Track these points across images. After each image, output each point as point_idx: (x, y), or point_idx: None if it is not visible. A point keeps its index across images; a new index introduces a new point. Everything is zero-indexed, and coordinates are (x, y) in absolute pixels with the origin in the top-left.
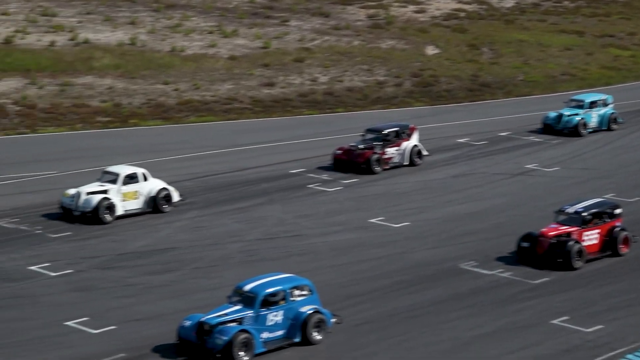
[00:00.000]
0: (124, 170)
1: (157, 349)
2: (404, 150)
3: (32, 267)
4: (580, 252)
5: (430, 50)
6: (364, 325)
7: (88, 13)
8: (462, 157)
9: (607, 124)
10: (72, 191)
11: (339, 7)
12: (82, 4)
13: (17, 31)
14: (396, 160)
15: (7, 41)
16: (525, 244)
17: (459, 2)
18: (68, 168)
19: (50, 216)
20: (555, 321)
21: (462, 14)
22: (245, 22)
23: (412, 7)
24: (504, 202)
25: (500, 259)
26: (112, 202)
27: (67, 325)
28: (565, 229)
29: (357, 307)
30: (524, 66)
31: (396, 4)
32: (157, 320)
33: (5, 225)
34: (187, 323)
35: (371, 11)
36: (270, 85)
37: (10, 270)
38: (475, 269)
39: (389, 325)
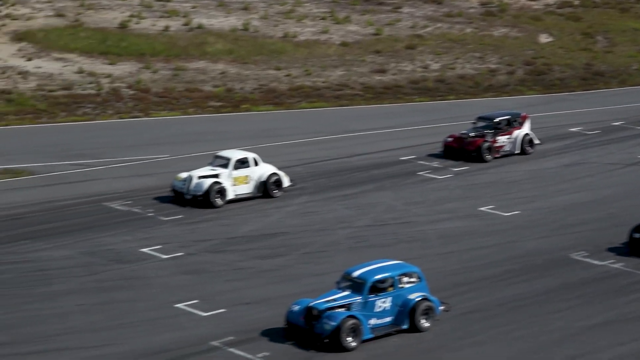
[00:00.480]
0: (235, 154)
1: (266, 333)
2: (516, 138)
3: (144, 250)
4: None
5: (544, 39)
6: (472, 313)
7: None
8: (574, 147)
9: None
10: (183, 175)
11: None
12: None
13: (132, 16)
14: (507, 148)
15: (123, 26)
16: (637, 235)
17: None
18: (180, 152)
19: (162, 199)
20: None
21: (577, 2)
22: (357, 8)
23: None
24: (617, 192)
25: (611, 249)
26: (223, 186)
27: (177, 307)
28: None
29: (465, 295)
30: (638, 55)
31: None
32: (266, 304)
33: (118, 207)
34: (296, 308)
35: None
36: (382, 72)
37: (123, 252)
38: (586, 260)
39: (497, 314)
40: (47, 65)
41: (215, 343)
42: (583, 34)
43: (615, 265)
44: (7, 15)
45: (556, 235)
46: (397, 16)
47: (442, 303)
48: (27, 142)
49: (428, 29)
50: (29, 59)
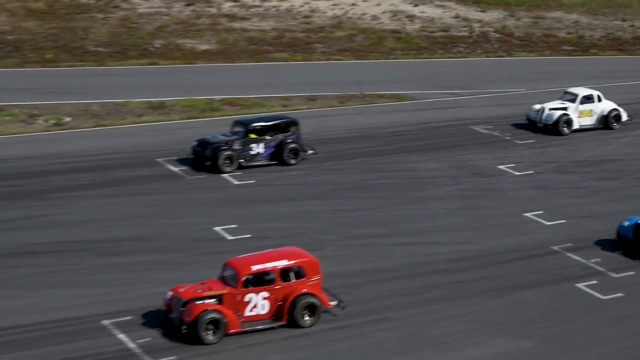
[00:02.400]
0: (582, 91)
1: (598, 243)
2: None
3: (501, 166)
4: None
5: None
6: None
7: None
8: None
9: None
10: (537, 106)
11: None
12: None
13: None
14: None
15: None
16: None
17: None
18: (535, 87)
19: (517, 126)
20: None
21: None
22: None
23: None
24: None
25: None
26: (570, 118)
27: (525, 216)
28: None
29: None
30: None
31: None
32: (600, 219)
33: (481, 131)
34: (626, 223)
35: None
36: None
37: (483, 168)
38: None
39: None
40: (430, 10)
41: (555, 247)
42: None
43: None
44: None
45: None
46: None
47: None
48: (410, 73)
49: None
50: (416, 5)
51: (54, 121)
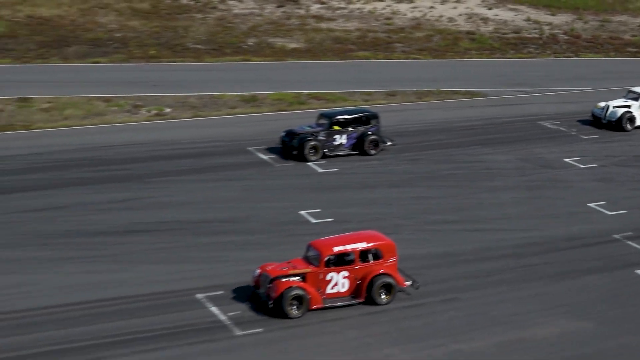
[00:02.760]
0: None
1: None
2: None
3: (567, 159)
4: None
5: None
6: None
7: None
8: None
9: None
10: (602, 104)
11: None
12: None
13: None
14: None
15: None
16: None
17: None
18: (600, 86)
19: (582, 122)
20: None
21: None
22: None
23: None
24: None
25: None
26: (632, 115)
27: (589, 206)
28: None
29: None
30: None
31: None
32: None
33: (548, 126)
34: None
35: None
36: None
37: (550, 160)
38: None
39: None
40: (503, 13)
41: (616, 236)
42: None
43: None
44: None
45: None
46: None
47: None
48: (483, 72)
49: None
50: (490, 9)
51: (156, 111)
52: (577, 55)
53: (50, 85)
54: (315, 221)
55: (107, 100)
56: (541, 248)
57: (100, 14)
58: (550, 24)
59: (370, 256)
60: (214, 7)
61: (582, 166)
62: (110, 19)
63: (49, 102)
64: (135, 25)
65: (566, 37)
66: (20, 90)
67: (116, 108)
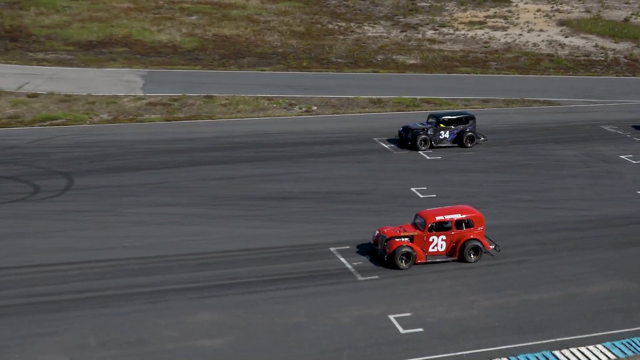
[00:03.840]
0: None
1: None
2: None
3: (622, 156)
4: None
5: None
6: None
7: None
8: None
9: None
10: None
11: None
12: None
13: (632, 14)
14: None
15: (626, 19)
16: None
17: None
18: None
19: (637, 127)
20: None
21: None
22: None
23: None
24: None
25: None
26: None
27: (638, 193)
28: None
29: None
30: None
31: None
32: None
33: (609, 130)
34: None
35: None
36: None
37: (607, 156)
38: None
39: None
40: (577, 41)
41: None
42: None
43: None
44: (557, 10)
45: None
46: None
47: None
48: (559, 86)
49: None
50: (566, 37)
51: (305, 109)
52: (634, 75)
53: (228, 87)
54: (422, 196)
55: (269, 99)
56: (598, 224)
57: (267, 34)
58: (613, 49)
59: (463, 225)
60: (353, 31)
61: (635, 162)
62: (274, 38)
63: (227, 99)
64: (293, 43)
65: (626, 60)
66: (207, 89)
67: (276, 105)
